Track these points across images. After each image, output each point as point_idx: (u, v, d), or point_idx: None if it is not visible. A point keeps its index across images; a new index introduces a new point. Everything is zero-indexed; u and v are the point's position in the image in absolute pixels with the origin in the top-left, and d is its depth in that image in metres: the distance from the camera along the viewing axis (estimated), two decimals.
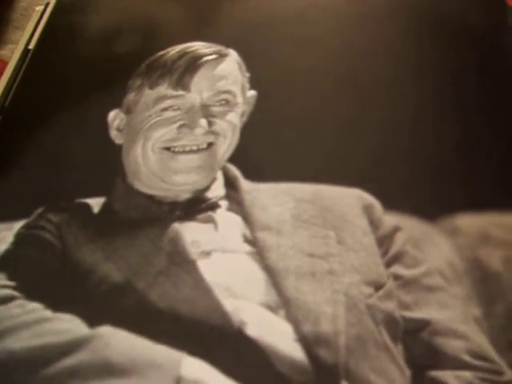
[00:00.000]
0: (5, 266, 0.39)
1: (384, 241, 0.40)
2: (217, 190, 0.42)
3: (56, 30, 0.53)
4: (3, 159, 0.45)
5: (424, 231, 0.40)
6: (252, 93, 0.44)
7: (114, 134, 0.43)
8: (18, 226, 0.41)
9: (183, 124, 0.41)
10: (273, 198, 0.41)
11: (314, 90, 0.47)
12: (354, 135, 0.44)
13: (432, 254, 0.39)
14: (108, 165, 0.43)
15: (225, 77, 0.42)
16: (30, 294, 0.37)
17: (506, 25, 0.50)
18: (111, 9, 0.55)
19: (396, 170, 0.42)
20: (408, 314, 0.37)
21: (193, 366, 0.34)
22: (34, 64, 0.51)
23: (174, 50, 0.44)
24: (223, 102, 0.42)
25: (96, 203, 0.41)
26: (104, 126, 0.44)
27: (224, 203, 0.41)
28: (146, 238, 0.39)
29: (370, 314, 0.36)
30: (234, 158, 0.42)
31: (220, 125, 0.42)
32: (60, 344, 0.35)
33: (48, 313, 0.36)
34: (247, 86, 0.44)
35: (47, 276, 0.39)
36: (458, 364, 0.35)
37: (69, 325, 0.36)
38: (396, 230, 0.40)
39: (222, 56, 0.43)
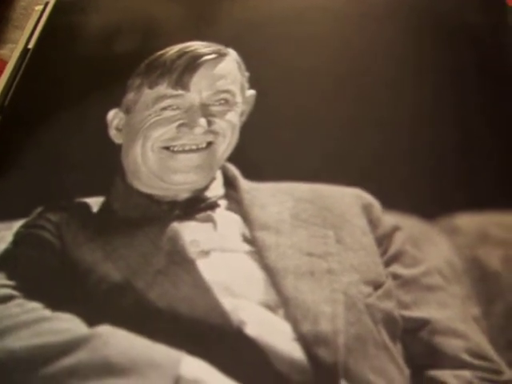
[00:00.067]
0: (4, 265, 0.39)
1: (383, 240, 0.40)
2: (216, 190, 0.42)
3: (56, 30, 0.53)
4: (3, 158, 0.45)
5: (423, 231, 0.40)
6: (251, 92, 0.44)
7: (113, 133, 0.43)
8: (17, 225, 0.41)
9: (182, 123, 0.41)
10: (272, 198, 0.41)
11: (314, 90, 0.47)
12: (353, 135, 0.44)
13: (431, 253, 0.39)
14: (107, 164, 0.43)
15: (224, 76, 0.42)
16: (30, 293, 0.37)
17: (505, 25, 0.50)
18: (111, 8, 0.55)
19: (395, 170, 0.42)
20: (407, 313, 0.37)
21: (192, 365, 0.34)
22: (34, 63, 0.51)
23: (174, 49, 0.44)
24: (222, 102, 0.42)
25: (95, 203, 0.41)
26: (103, 126, 0.44)
27: (223, 202, 0.41)
28: (146, 238, 0.39)
29: (369, 313, 0.36)
30: (233, 158, 0.42)
31: (219, 124, 0.42)
32: (59, 343, 0.35)
33: (47, 312, 0.36)
34: (246, 85, 0.44)
35: (46, 275, 0.39)
36: (457, 363, 0.35)
37: (68, 324, 0.36)
38: (395, 229, 0.40)
39: (221, 55, 0.43)
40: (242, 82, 0.44)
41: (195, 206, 0.41)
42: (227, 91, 0.42)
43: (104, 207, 0.41)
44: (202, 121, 0.41)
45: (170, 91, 0.42)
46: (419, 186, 0.41)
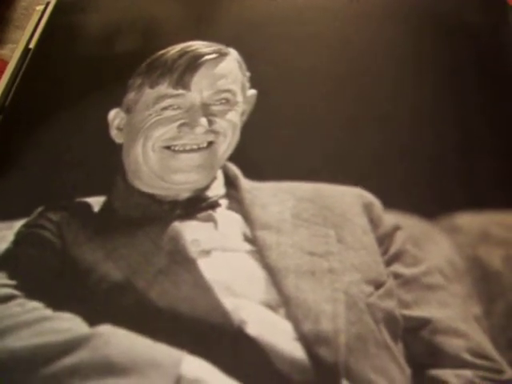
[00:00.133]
0: (5, 264, 0.39)
1: (384, 239, 0.40)
2: (217, 189, 0.42)
3: (56, 30, 0.53)
4: (3, 158, 0.45)
5: (424, 230, 0.40)
6: (252, 92, 0.44)
7: (114, 133, 0.43)
8: (18, 224, 0.41)
9: (183, 123, 0.41)
10: (273, 197, 0.41)
11: (314, 89, 0.47)
12: (353, 134, 0.44)
13: (432, 252, 0.39)
14: (108, 164, 0.43)
15: (225, 76, 0.42)
16: (30, 292, 0.37)
17: (506, 24, 0.50)
18: (111, 8, 0.55)
19: (396, 169, 0.42)
20: (408, 312, 0.37)
21: (193, 364, 0.34)
22: (35, 63, 0.51)
23: (175, 49, 0.44)
24: (223, 101, 0.42)
25: (96, 202, 0.41)
26: (104, 126, 0.44)
27: (224, 202, 0.41)
28: (146, 237, 0.39)
29: (370, 312, 0.36)
30: (234, 157, 0.42)
31: (220, 124, 0.42)
32: (60, 343, 0.35)
33: (48, 312, 0.36)
34: (247, 84, 0.44)
35: (47, 275, 0.39)
36: (458, 362, 0.35)
37: (69, 324, 0.36)
38: (396, 228, 0.40)
39: (222, 55, 0.43)
40: (242, 81, 0.44)
41: (196, 205, 0.41)
42: (228, 91, 0.42)
43: (105, 207, 0.41)
44: (203, 120, 0.41)
45: (171, 91, 0.42)
46: (420, 185, 0.41)
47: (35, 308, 0.37)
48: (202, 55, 0.42)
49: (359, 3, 0.52)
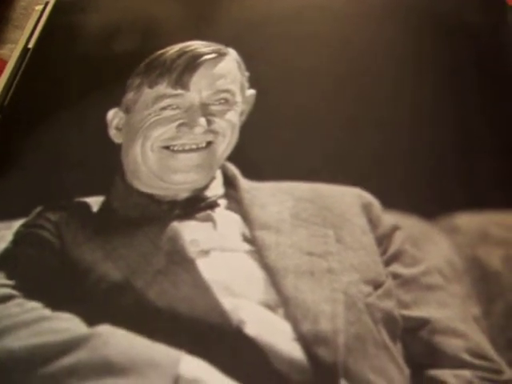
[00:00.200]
0: (4, 264, 0.39)
1: (383, 239, 0.40)
2: (216, 189, 0.42)
3: (55, 29, 0.53)
4: (2, 158, 0.45)
5: (423, 230, 0.40)
6: (251, 92, 0.44)
7: (113, 133, 0.43)
8: (17, 224, 0.41)
9: (182, 123, 0.41)
10: (272, 197, 0.41)
11: (314, 89, 0.47)
12: (353, 134, 0.44)
13: (431, 252, 0.39)
14: (107, 164, 0.43)
15: (224, 76, 0.42)
16: (29, 292, 0.37)
17: (505, 24, 0.50)
18: (110, 8, 0.55)
19: (395, 169, 0.42)
20: (407, 312, 0.37)
21: (191, 364, 0.34)
22: (34, 63, 0.51)
23: (173, 49, 0.44)
24: (222, 101, 0.42)
25: (95, 202, 0.41)
26: (103, 125, 0.44)
27: (223, 202, 0.41)
28: (145, 237, 0.39)
29: (369, 312, 0.36)
30: (233, 157, 0.42)
31: (219, 124, 0.42)
32: (59, 343, 0.35)
33: (47, 312, 0.36)
34: (246, 84, 0.44)
35: (46, 275, 0.39)
36: (457, 363, 0.35)
37: (67, 324, 0.36)
38: (395, 228, 0.40)
39: (221, 55, 0.43)
40: (241, 81, 0.44)
41: (195, 205, 0.41)
42: (227, 91, 0.42)
43: (104, 207, 0.41)
44: (202, 120, 0.41)
45: (170, 91, 0.42)
46: (419, 185, 0.41)
47: (34, 308, 0.36)
48: (201, 55, 0.42)
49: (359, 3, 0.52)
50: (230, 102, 0.42)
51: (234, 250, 0.39)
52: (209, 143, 0.42)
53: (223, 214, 0.41)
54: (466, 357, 0.35)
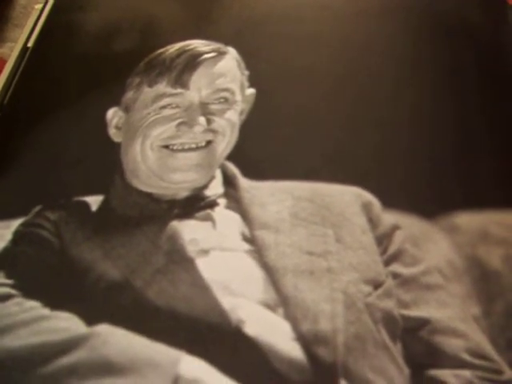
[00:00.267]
0: (3, 263, 0.39)
1: (383, 239, 0.40)
2: (215, 188, 0.42)
3: (55, 28, 0.53)
4: (1, 157, 0.45)
5: (423, 229, 0.40)
6: (251, 91, 0.44)
7: (112, 132, 0.43)
8: (16, 223, 0.41)
9: (182, 122, 0.41)
10: (271, 196, 0.41)
11: (313, 88, 0.47)
12: (352, 133, 0.44)
13: (431, 252, 0.39)
14: (106, 163, 0.43)
15: (224, 75, 0.42)
16: (28, 291, 0.37)
17: (505, 24, 0.50)
18: (110, 7, 0.55)
19: (395, 169, 0.42)
20: (407, 312, 0.37)
21: (191, 364, 0.34)
22: (33, 62, 0.51)
23: (173, 47, 0.43)
24: (222, 100, 0.42)
25: (94, 201, 0.41)
26: (102, 124, 0.43)
27: (222, 201, 0.41)
28: (145, 236, 0.39)
29: (368, 312, 0.36)
30: (232, 156, 0.42)
31: (219, 123, 0.41)
32: (58, 342, 0.35)
33: (46, 311, 0.36)
34: (246, 83, 0.44)
35: (45, 274, 0.39)
36: (457, 363, 0.35)
37: (67, 323, 0.36)
38: (395, 228, 0.40)
39: (220, 54, 0.43)
40: (241, 80, 0.43)
41: (194, 204, 0.41)
42: (227, 90, 0.42)
43: (103, 206, 0.41)
44: (202, 119, 0.41)
45: (170, 90, 0.42)
46: (419, 184, 0.41)
47: (33, 307, 0.36)
48: (201, 54, 0.42)
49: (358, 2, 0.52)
50: (230, 101, 0.42)
51: (233, 249, 0.39)
52: (208, 142, 0.41)
53: (223, 214, 0.41)
54: (466, 357, 0.35)
